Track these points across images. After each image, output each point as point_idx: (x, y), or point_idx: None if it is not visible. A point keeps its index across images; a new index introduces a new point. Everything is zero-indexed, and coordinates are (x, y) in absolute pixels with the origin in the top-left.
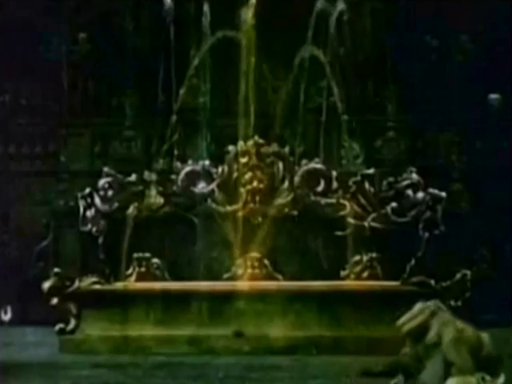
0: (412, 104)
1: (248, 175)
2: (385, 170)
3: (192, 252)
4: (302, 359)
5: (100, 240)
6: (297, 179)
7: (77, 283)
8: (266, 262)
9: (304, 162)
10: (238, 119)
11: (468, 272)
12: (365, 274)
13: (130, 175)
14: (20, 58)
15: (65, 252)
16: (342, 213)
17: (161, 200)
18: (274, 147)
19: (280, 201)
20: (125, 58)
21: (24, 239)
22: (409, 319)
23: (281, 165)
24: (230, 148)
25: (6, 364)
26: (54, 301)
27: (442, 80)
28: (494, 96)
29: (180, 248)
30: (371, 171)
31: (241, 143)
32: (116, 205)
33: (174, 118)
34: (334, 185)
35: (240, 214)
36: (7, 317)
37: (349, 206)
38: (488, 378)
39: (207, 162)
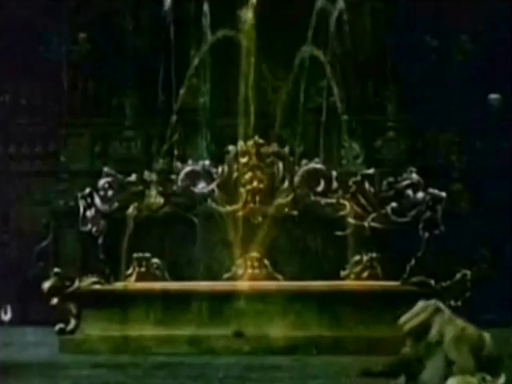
0: (412, 104)
1: (248, 175)
2: (385, 170)
3: (192, 252)
4: (301, 359)
5: (100, 240)
6: (297, 179)
7: (77, 283)
8: (266, 261)
9: (304, 162)
10: (238, 119)
11: (468, 272)
12: (365, 274)
13: (130, 175)
14: (20, 58)
15: (65, 252)
16: (342, 213)
17: (161, 200)
18: (274, 147)
19: (280, 201)
20: (125, 57)
21: (24, 239)
22: (410, 318)
23: (281, 165)
24: (230, 148)
25: (6, 364)
26: (54, 301)
27: (442, 80)
28: (493, 96)
29: (180, 248)
30: (371, 171)
31: (241, 143)
32: (116, 205)
33: (173, 118)
34: (334, 185)
35: (240, 213)
36: (7, 317)
37: (349, 206)
38: (488, 378)
39: (207, 162)
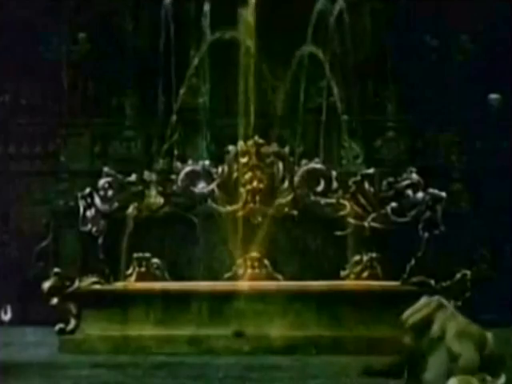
0: (412, 104)
1: (248, 175)
2: (385, 170)
3: (192, 252)
4: (301, 359)
5: (100, 240)
6: (297, 179)
7: (77, 283)
8: (266, 261)
9: (304, 161)
10: (238, 119)
11: (468, 272)
12: (365, 274)
13: (129, 175)
14: (20, 58)
15: (65, 252)
16: (342, 213)
17: (161, 200)
18: (274, 147)
19: (280, 201)
20: (125, 57)
21: (24, 239)
22: (412, 313)
23: (281, 165)
24: (230, 148)
25: (6, 364)
26: (54, 301)
27: (442, 80)
28: (494, 96)
29: (180, 248)
30: (371, 171)
31: (241, 143)
32: (116, 205)
33: (173, 117)
34: (334, 185)
35: (240, 213)
36: (7, 317)
37: (349, 206)
38: (489, 378)
39: (207, 162)
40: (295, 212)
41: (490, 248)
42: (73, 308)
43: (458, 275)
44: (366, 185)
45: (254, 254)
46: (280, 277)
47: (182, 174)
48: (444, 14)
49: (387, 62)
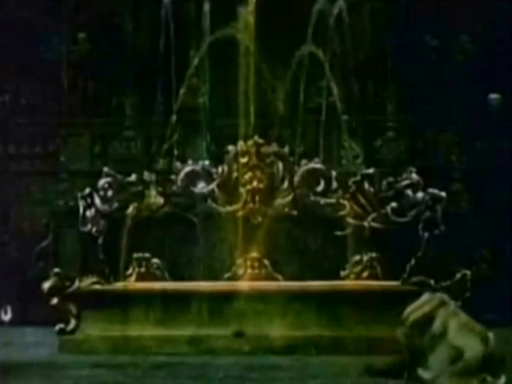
0: (412, 104)
1: (248, 175)
2: (385, 170)
3: (192, 252)
4: (301, 359)
5: (100, 240)
6: (296, 179)
7: (77, 283)
8: (266, 262)
9: (304, 161)
10: (238, 119)
11: (468, 272)
12: (365, 274)
13: (129, 175)
14: (20, 58)
15: (65, 252)
16: (342, 213)
17: (161, 200)
18: (274, 147)
19: (280, 201)
20: (125, 58)
21: (24, 239)
22: (414, 309)
23: (281, 165)
24: (230, 148)
25: (6, 364)
26: (54, 301)
27: (442, 80)
28: (494, 96)
29: (180, 248)
30: (371, 171)
31: (241, 143)
32: (116, 205)
33: (173, 117)
34: (334, 185)
35: (240, 213)
36: (7, 317)
37: (348, 206)
38: (489, 378)
39: (207, 162)
40: (295, 212)
41: (490, 248)
42: (73, 308)
43: (458, 275)
44: (366, 185)
45: (254, 254)
46: (280, 277)
47: (181, 174)
48: (444, 13)
49: (387, 62)
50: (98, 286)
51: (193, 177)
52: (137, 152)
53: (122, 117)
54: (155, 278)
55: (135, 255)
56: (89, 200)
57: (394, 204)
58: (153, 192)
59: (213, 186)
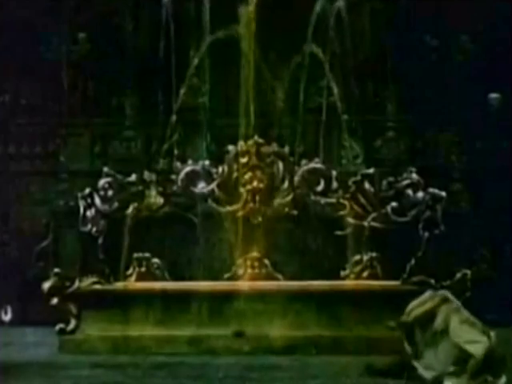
0: (412, 104)
1: (248, 175)
2: (385, 170)
3: (192, 252)
4: (301, 359)
5: (100, 240)
6: (297, 179)
7: (77, 283)
8: (266, 261)
9: (304, 161)
10: (238, 119)
11: (468, 271)
12: (365, 274)
13: (129, 175)
14: (20, 58)
15: (65, 252)
16: (342, 212)
17: (161, 200)
18: (274, 147)
19: (280, 200)
20: (125, 57)
21: (24, 239)
22: (416, 306)
23: (281, 164)
24: (230, 148)
25: (6, 364)
26: (54, 301)
27: (442, 80)
28: (494, 96)
29: (180, 248)
30: (371, 171)
31: (241, 143)
32: (116, 205)
33: (173, 117)
34: (334, 184)
35: (240, 213)
36: (7, 317)
37: (349, 206)
38: (490, 378)
39: (207, 162)
40: (295, 212)
41: (490, 248)
42: (73, 308)
43: (459, 275)
44: (366, 184)
45: (254, 254)
46: (280, 277)
47: (181, 174)
48: (444, 13)
49: (387, 62)
50: (98, 286)
51: (193, 177)
52: (137, 152)
53: (122, 117)
54: (155, 278)
55: (135, 255)
56: (89, 200)
57: (394, 204)
58: (153, 192)
59: (213, 185)
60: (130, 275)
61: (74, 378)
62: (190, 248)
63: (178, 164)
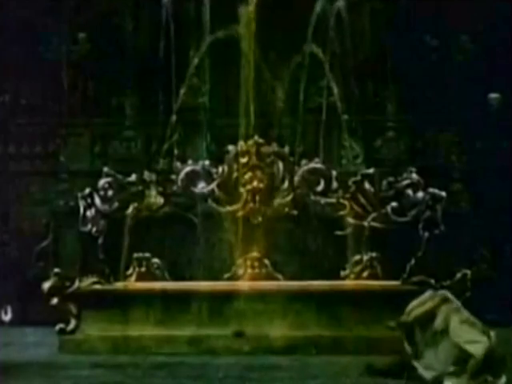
0: (412, 104)
1: (248, 175)
2: (385, 170)
3: (192, 252)
4: (301, 359)
5: (100, 240)
6: (297, 179)
7: (77, 283)
8: (266, 261)
9: (304, 161)
10: (238, 119)
11: (468, 272)
12: (365, 274)
13: (129, 175)
14: (20, 58)
15: (65, 252)
16: (342, 212)
17: (161, 200)
18: (274, 147)
19: (280, 200)
20: (125, 57)
21: (24, 239)
22: (417, 306)
23: (281, 164)
24: (230, 148)
25: (6, 364)
26: (54, 301)
27: (442, 80)
28: (494, 96)
29: (180, 248)
30: (371, 171)
31: (241, 143)
32: (116, 205)
33: (173, 117)
34: (334, 184)
35: (240, 213)
36: (7, 317)
37: (349, 206)
38: (490, 378)
39: (207, 162)
40: (295, 212)
41: (490, 248)
42: (73, 308)
43: (459, 275)
44: (366, 184)
45: (254, 254)
46: (280, 277)
47: (182, 174)
48: (444, 13)
49: (387, 62)
50: (98, 286)
51: (193, 177)
52: (137, 152)
53: (122, 117)
54: (155, 278)
55: (135, 255)
56: (89, 200)
57: (394, 204)
58: (153, 192)
59: (213, 185)
60: (130, 275)
61: (74, 378)
62: (190, 248)
63: (178, 164)
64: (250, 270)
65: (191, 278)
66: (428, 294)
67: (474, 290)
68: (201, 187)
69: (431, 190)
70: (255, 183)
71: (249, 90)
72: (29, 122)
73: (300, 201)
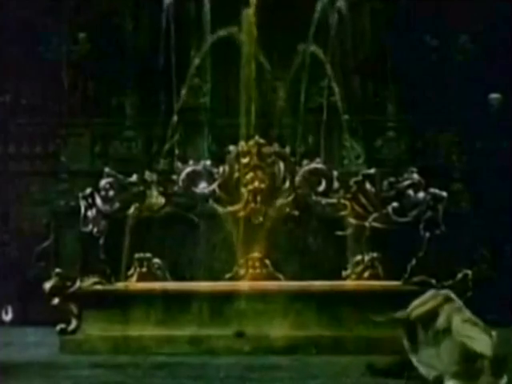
0: (412, 104)
1: (249, 175)
2: (385, 170)
3: (193, 252)
4: (302, 359)
5: (101, 240)
6: (298, 179)
7: (78, 283)
8: (267, 261)
9: (305, 161)
10: (239, 119)
11: (469, 272)
12: (366, 274)
13: (130, 175)
14: (20, 57)
15: (65, 252)
16: (343, 213)
17: (162, 200)
18: (275, 147)
19: (281, 201)
20: (125, 57)
21: (24, 239)
22: (419, 305)
23: (282, 165)
24: (231, 148)
25: (6, 364)
26: (55, 301)
27: (442, 80)
28: (494, 96)
29: (181, 248)
30: (372, 171)
31: (242, 143)
32: (117, 205)
33: (174, 118)
34: (335, 185)
35: (241, 214)
36: (8, 317)
37: (350, 206)
38: (491, 378)
39: (208, 162)
40: (296, 212)
41: (490, 248)
42: (74, 308)
43: (460, 275)
44: (367, 185)
45: (256, 254)
46: (281, 277)
47: (183, 175)
48: (444, 13)
49: (387, 62)
50: (98, 286)
51: (194, 177)
52: (137, 152)
53: (123, 117)
54: (156, 278)
55: (136, 255)
56: (90, 200)
57: (395, 204)
58: (154, 192)
59: (214, 186)
60: (131, 275)
61: (74, 378)
62: (191, 248)
63: (179, 164)
64: (251, 270)
65: (192, 279)
66: (430, 293)
67: (474, 289)
68: (202, 187)
69: (432, 190)
70: (256, 183)
71: (250, 90)
72: (29, 121)
73: (301, 201)
